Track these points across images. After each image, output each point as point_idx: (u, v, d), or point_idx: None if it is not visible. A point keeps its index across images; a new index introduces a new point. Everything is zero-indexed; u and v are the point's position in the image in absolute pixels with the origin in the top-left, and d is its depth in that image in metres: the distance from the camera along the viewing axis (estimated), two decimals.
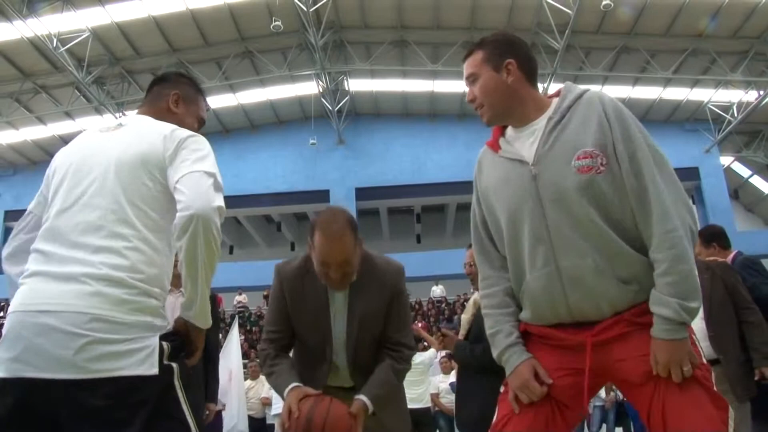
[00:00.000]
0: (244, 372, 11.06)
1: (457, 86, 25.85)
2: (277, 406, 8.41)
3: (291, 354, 2.99)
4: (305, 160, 28.01)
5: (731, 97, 24.94)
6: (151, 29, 21.23)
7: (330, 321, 2.81)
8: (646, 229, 1.93)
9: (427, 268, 24.99)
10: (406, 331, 2.94)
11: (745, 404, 4.13)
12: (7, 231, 26.97)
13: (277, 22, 19.72)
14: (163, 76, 2.50)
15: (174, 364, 1.95)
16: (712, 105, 25.61)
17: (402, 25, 22.53)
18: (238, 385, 9.33)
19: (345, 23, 22.73)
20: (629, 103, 25.86)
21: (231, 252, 32.60)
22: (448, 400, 10.12)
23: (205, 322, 2.05)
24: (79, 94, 23.47)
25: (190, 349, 2.07)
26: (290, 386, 2.64)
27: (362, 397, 2.67)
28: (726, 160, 29.02)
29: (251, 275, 25.91)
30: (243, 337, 21.82)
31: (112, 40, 21.57)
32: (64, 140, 26.62)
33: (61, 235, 1.97)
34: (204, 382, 4.95)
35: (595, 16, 20.76)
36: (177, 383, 1.95)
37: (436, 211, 31.57)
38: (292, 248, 31.01)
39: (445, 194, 28.66)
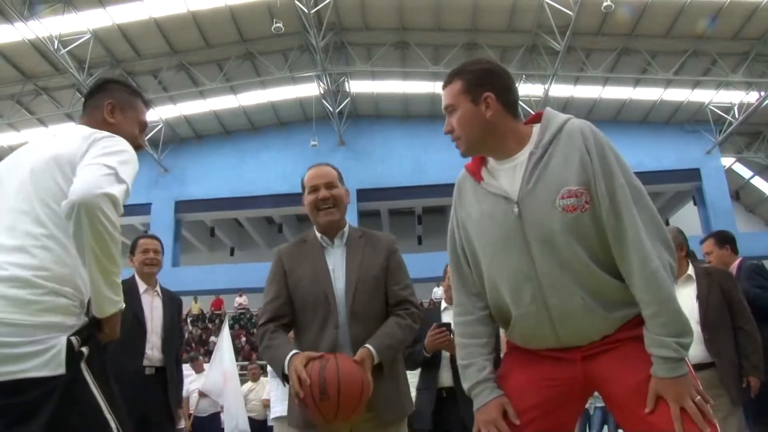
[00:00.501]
0: (245, 374, 11.09)
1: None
2: (276, 409, 8.38)
3: (292, 335, 2.96)
4: (306, 162, 27.41)
5: (732, 98, 24.90)
6: (152, 31, 21.25)
7: (329, 274, 2.85)
8: (627, 269, 1.94)
9: (429, 270, 24.82)
10: (410, 289, 2.98)
11: (739, 409, 4.25)
12: None
13: (278, 24, 19.74)
14: (95, 86, 2.45)
15: (83, 350, 1.92)
16: (713, 106, 25.58)
17: (403, 26, 22.53)
18: (234, 386, 9.35)
19: (346, 25, 22.73)
20: (630, 105, 25.92)
21: (232, 254, 32.65)
22: None
23: (98, 310, 1.99)
24: (80, 95, 23.43)
25: (102, 335, 2.03)
26: (290, 354, 2.62)
27: (367, 345, 2.67)
28: (727, 161, 29.00)
29: (252, 277, 25.91)
30: (245, 339, 21.85)
31: (113, 42, 21.59)
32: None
33: None
34: (178, 384, 4.75)
35: (596, 18, 20.75)
36: (83, 366, 1.92)
37: (437, 212, 31.57)
38: None
39: (446, 195, 28.31)
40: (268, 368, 9.27)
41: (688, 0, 19.84)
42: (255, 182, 27.97)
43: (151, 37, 21.59)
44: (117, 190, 1.92)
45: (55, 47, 19.37)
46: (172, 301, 4.74)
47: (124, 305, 2.07)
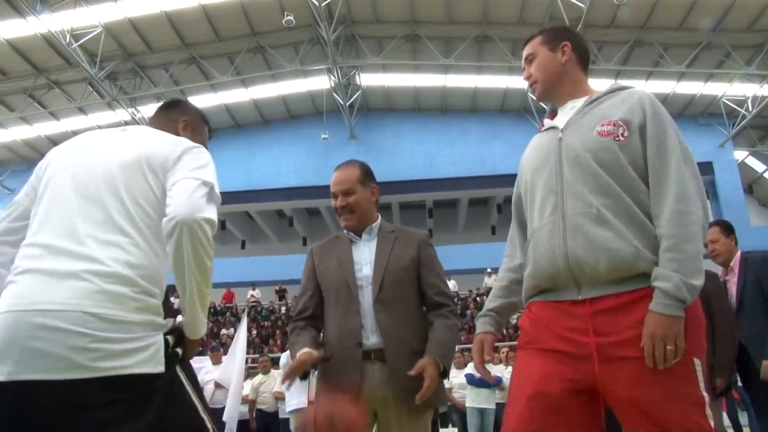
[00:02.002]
0: (255, 366, 11.13)
1: (469, 81, 25.82)
2: (291, 402, 8.38)
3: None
4: (317, 155, 28.02)
5: (745, 91, 24.71)
6: (163, 24, 21.30)
7: (352, 264, 2.97)
8: (659, 205, 1.97)
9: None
10: (444, 280, 3.08)
11: (717, 402, 4.49)
12: None
13: (288, 17, 19.75)
14: (172, 102, 2.53)
15: (178, 350, 1.97)
16: (726, 99, 25.43)
17: (414, 19, 22.49)
18: (238, 378, 9.40)
19: (357, 18, 22.71)
20: None
21: (243, 247, 32.72)
22: (461, 395, 10.16)
23: (193, 332, 2.02)
24: (91, 89, 23.58)
25: (183, 354, 2.04)
26: (302, 351, 2.75)
27: (431, 355, 2.73)
28: (740, 154, 28.81)
29: (263, 270, 26.02)
30: (255, 332, 21.93)
31: (125, 36, 21.65)
32: (78, 135, 26.80)
33: (59, 228, 1.92)
34: None
35: (608, 10, 20.64)
36: (179, 368, 1.96)
37: (448, 206, 31.55)
38: (304, 243, 31.00)
39: (456, 189, 28.65)
40: (280, 361, 9.31)
41: None
42: (266, 175, 28.03)
43: (163, 30, 21.64)
44: (215, 213, 1.96)
45: (67, 41, 19.46)
46: None
47: None
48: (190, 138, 2.32)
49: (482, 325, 2.36)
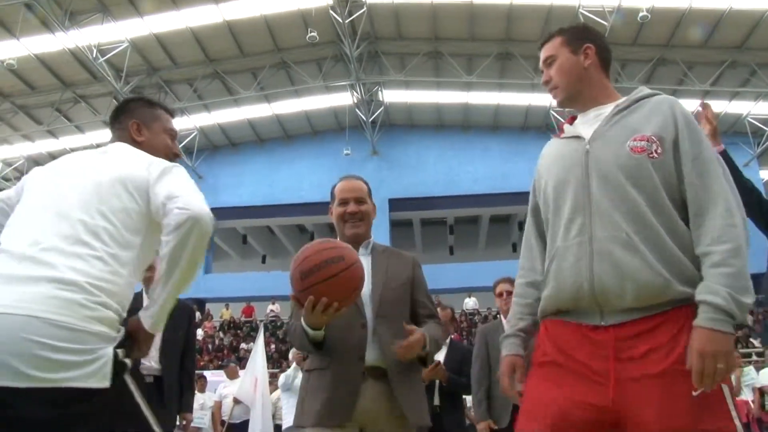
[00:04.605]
0: (274, 381, 11.11)
1: (491, 98, 25.80)
2: (288, 419, 8.35)
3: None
4: (339, 171, 27.74)
5: None
6: (188, 40, 21.52)
7: None
8: (702, 222, 1.88)
9: (460, 280, 24.91)
10: (433, 303, 3.14)
11: None
12: None
13: (312, 33, 19.85)
14: (117, 109, 2.46)
15: (127, 361, 1.90)
16: (751, 118, 25.17)
17: (436, 36, 22.54)
18: (263, 393, 9.38)
19: (380, 34, 22.80)
20: None
21: (264, 261, 32.81)
22: None
23: (154, 326, 1.99)
24: (117, 103, 23.79)
25: (134, 350, 1.99)
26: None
27: (422, 331, 2.75)
28: (766, 173, 28.48)
29: (283, 284, 25.64)
30: (273, 347, 21.92)
31: (150, 51, 21.91)
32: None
33: (25, 238, 1.92)
34: (179, 393, 5.00)
35: (632, 28, 20.56)
36: (128, 378, 1.90)
37: (470, 222, 31.46)
38: None
39: (478, 206, 28.58)
40: (279, 381, 9.29)
41: (726, 9, 19.55)
42: (288, 190, 28.13)
43: (187, 45, 21.87)
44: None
45: (94, 56, 19.73)
46: (177, 312, 4.80)
47: None
48: (148, 137, 2.36)
49: (511, 346, 2.20)
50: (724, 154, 4.14)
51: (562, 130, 2.26)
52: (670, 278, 1.85)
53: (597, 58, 2.21)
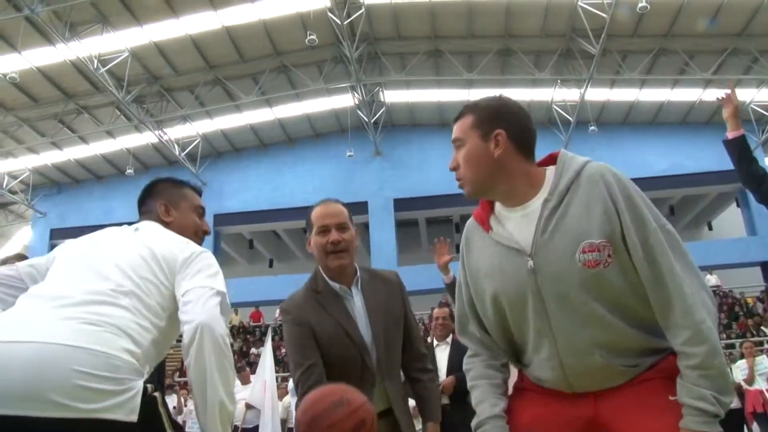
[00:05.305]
0: (286, 385, 11.13)
1: (493, 94, 25.65)
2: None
3: None
4: (343, 173, 28.12)
5: None
6: (187, 47, 21.54)
7: (359, 331, 2.70)
8: (666, 322, 1.81)
9: None
10: (422, 343, 3.03)
11: None
12: (53, 249, 27.49)
13: (311, 36, 19.85)
14: (144, 191, 2.49)
15: (156, 395, 1.86)
16: (754, 105, 25.07)
17: (436, 34, 22.52)
18: (272, 396, 9.41)
19: (379, 35, 22.79)
20: (668, 107, 25.54)
21: (271, 265, 32.84)
22: None
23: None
24: (119, 113, 23.90)
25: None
26: None
27: (433, 421, 2.78)
28: None
29: (291, 288, 25.70)
30: (284, 351, 21.91)
31: (150, 59, 21.94)
32: (106, 159, 27.25)
33: (61, 286, 1.95)
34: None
35: (631, 19, 20.51)
36: (161, 410, 1.86)
37: None
38: None
39: None
40: (289, 386, 9.27)
41: None
42: (292, 194, 28.12)
43: (187, 53, 21.89)
44: (225, 328, 1.97)
45: (95, 66, 19.76)
46: None
47: None
48: (177, 217, 2.40)
49: (497, 429, 1.98)
50: (742, 140, 4.12)
51: (486, 222, 2.03)
52: (644, 358, 1.89)
53: (510, 143, 1.93)
